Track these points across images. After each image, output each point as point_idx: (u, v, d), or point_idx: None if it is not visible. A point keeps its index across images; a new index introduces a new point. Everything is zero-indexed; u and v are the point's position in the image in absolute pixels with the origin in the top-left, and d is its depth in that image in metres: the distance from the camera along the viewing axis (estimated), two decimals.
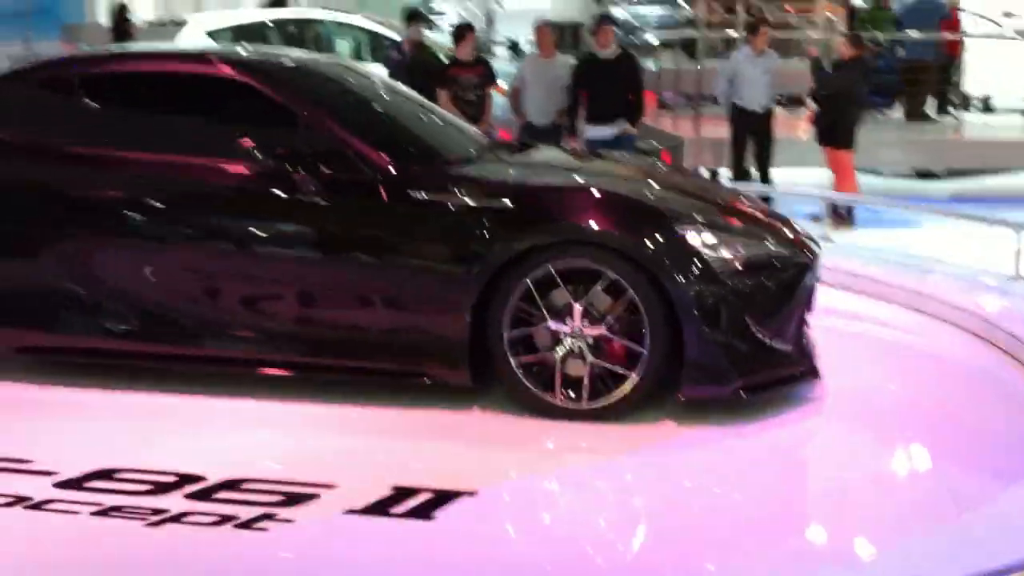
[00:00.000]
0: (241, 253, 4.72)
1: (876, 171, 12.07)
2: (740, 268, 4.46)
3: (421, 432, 4.45)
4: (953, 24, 12.75)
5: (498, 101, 9.96)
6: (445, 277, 4.49)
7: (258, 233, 4.69)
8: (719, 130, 10.34)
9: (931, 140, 11.94)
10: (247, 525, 3.56)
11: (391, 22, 13.76)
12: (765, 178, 9.97)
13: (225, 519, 3.59)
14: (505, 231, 4.47)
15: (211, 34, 12.76)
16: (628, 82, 9.18)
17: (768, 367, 4.57)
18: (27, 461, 4.05)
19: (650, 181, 5.18)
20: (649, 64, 12.54)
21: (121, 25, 13.72)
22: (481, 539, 3.55)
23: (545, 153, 5.79)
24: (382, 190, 4.61)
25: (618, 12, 17.23)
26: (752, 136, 9.94)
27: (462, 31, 10.03)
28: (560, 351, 4.47)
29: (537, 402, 4.52)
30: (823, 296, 6.13)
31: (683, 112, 12.16)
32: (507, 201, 4.56)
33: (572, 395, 4.48)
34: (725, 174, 10.73)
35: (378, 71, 9.72)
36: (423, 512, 3.66)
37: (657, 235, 4.43)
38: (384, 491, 3.79)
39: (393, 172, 4.65)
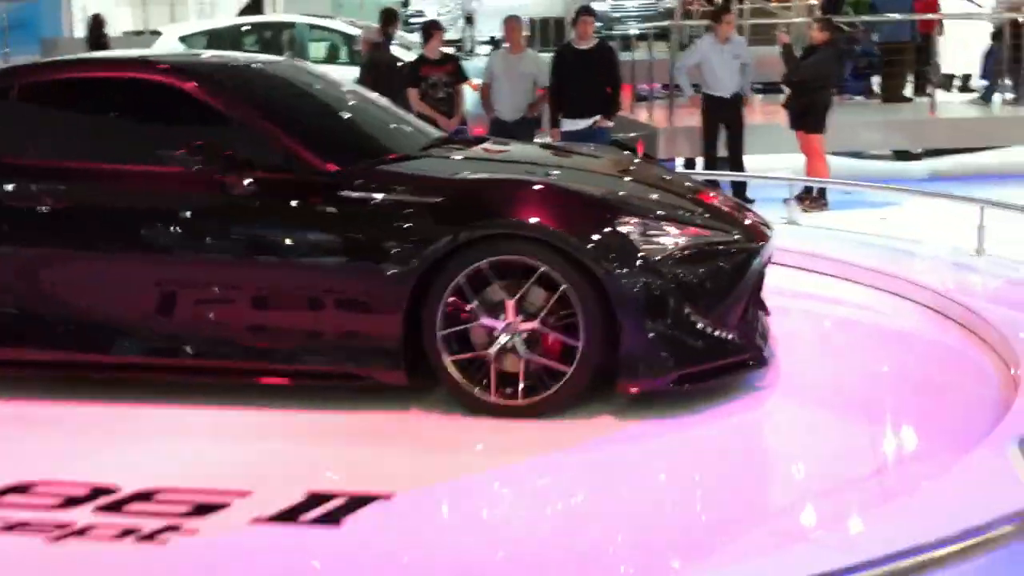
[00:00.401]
0: (172, 258, 4.67)
1: (856, 153, 12.01)
2: (679, 257, 4.38)
3: (350, 436, 4.38)
4: (931, 4, 12.60)
5: (474, 98, 9.93)
6: (378, 276, 4.41)
7: (189, 237, 4.64)
8: (694, 119, 10.26)
9: (908, 120, 11.82)
10: (150, 537, 3.49)
11: (370, 25, 13.74)
12: (737, 164, 9.88)
13: (127, 532, 3.51)
14: (437, 227, 4.39)
15: (184, 39, 12.76)
16: (605, 74, 9.12)
17: (710, 356, 4.47)
18: None
19: (607, 174, 5.10)
20: (628, 55, 12.46)
21: (96, 37, 13.63)
22: (384, 543, 3.46)
23: (501, 148, 5.71)
24: (314, 189, 4.55)
25: (599, 5, 17.20)
26: (723, 123, 9.85)
27: (429, 29, 10.00)
28: (495, 348, 4.39)
29: (474, 401, 4.44)
30: (788, 278, 6.19)
31: (661, 102, 12.08)
32: (439, 197, 4.49)
33: (508, 392, 4.41)
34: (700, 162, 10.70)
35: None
36: (332, 518, 3.58)
37: (591, 227, 4.34)
38: (297, 498, 3.71)
39: (326, 171, 4.59)
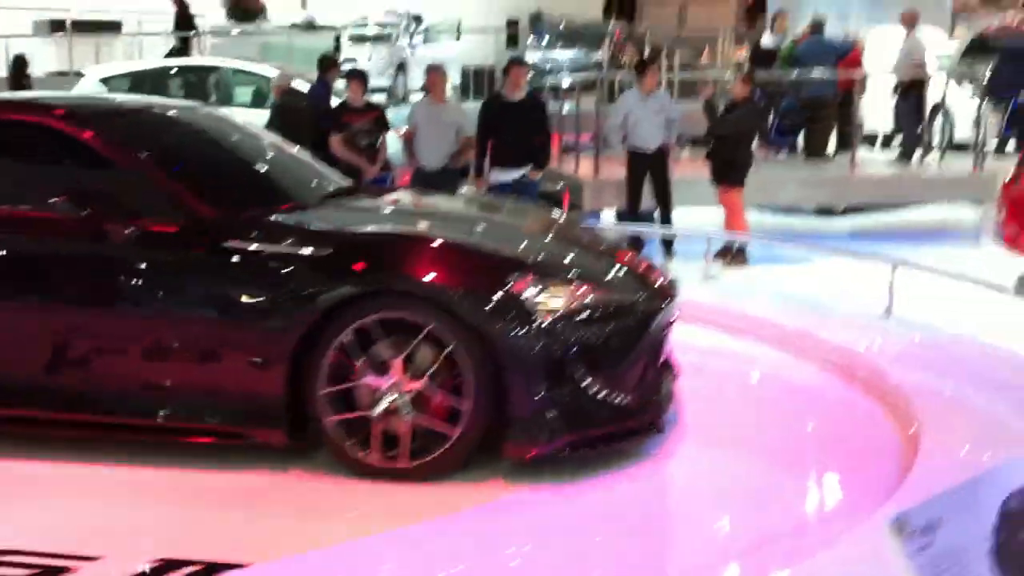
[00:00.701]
0: (51, 308, 4.49)
1: (778, 208, 12.08)
2: (575, 319, 4.23)
3: (222, 498, 4.19)
4: (854, 61, 12.76)
5: (400, 146, 9.87)
6: (258, 331, 4.24)
7: (68, 287, 4.47)
8: (621, 171, 10.26)
9: (829, 177, 11.93)
10: None
11: (297, 71, 13.62)
12: (666, 217, 9.87)
13: None
14: (321, 281, 4.22)
15: (105, 80, 12.55)
16: (534, 125, 9.08)
17: (605, 421, 4.31)
18: None
19: (522, 230, 4.96)
20: (556, 106, 12.48)
21: (18, 77, 13.47)
22: None
23: (416, 199, 5.57)
24: (196, 239, 4.38)
25: (532, 56, 17.27)
26: (650, 175, 9.84)
27: (350, 77, 9.94)
28: (379, 407, 4.22)
29: (356, 463, 4.27)
30: (702, 335, 6.12)
31: (587, 154, 12.09)
32: (326, 249, 4.31)
33: (392, 454, 4.24)
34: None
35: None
36: None
37: (481, 286, 4.19)
38: (147, 565, 3.53)
39: (208, 219, 4.43)
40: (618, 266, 4.79)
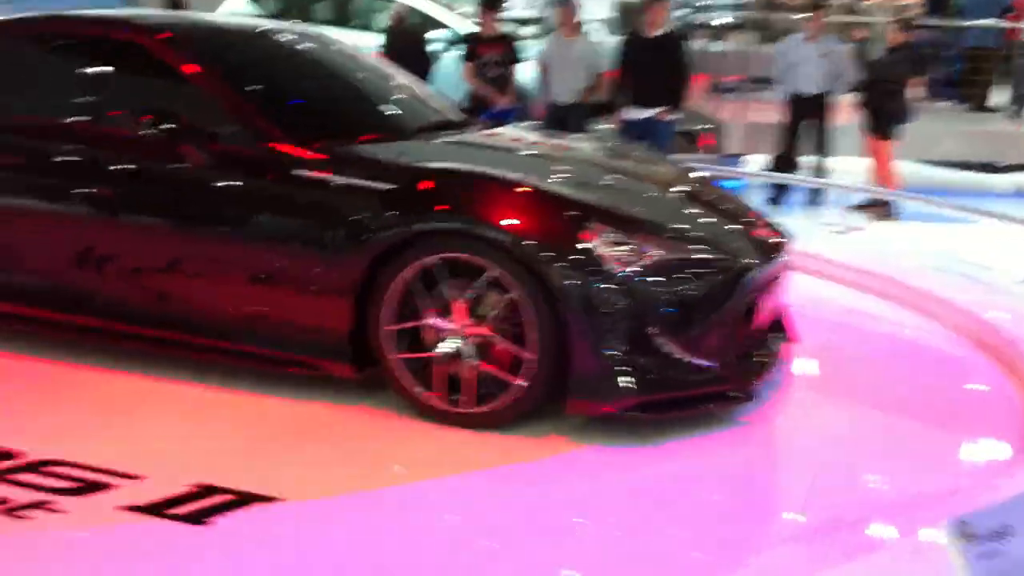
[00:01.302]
0: (128, 224, 4.45)
1: (939, 162, 11.33)
2: (650, 274, 3.88)
3: (276, 428, 4.05)
4: (1018, 12, 11.81)
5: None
6: (326, 263, 4.07)
7: (144, 205, 4.42)
8: (771, 115, 9.74)
9: (992, 131, 11.09)
10: (14, 512, 3.29)
11: (449, 3, 13.38)
12: (820, 167, 9.35)
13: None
14: (382, 216, 4.02)
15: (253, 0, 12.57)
16: (671, 64, 8.68)
17: (677, 385, 3.97)
18: None
19: (618, 178, 4.55)
20: (708, 46, 11.99)
21: None
22: (244, 551, 3.14)
23: (515, 135, 5.21)
24: (269, 167, 4.23)
25: None
26: (807, 121, 9.33)
27: (485, 6, 9.64)
28: (443, 349, 4.00)
29: (418, 403, 4.08)
30: (821, 289, 5.68)
31: (736, 96, 11.58)
32: (391, 184, 4.09)
33: (455, 399, 4.02)
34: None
35: None
36: (200, 516, 3.30)
37: (551, 233, 3.90)
38: (183, 489, 3.45)
39: (280, 146, 4.26)
40: (723, 223, 4.39)
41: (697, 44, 11.88)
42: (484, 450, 3.89)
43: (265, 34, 5.25)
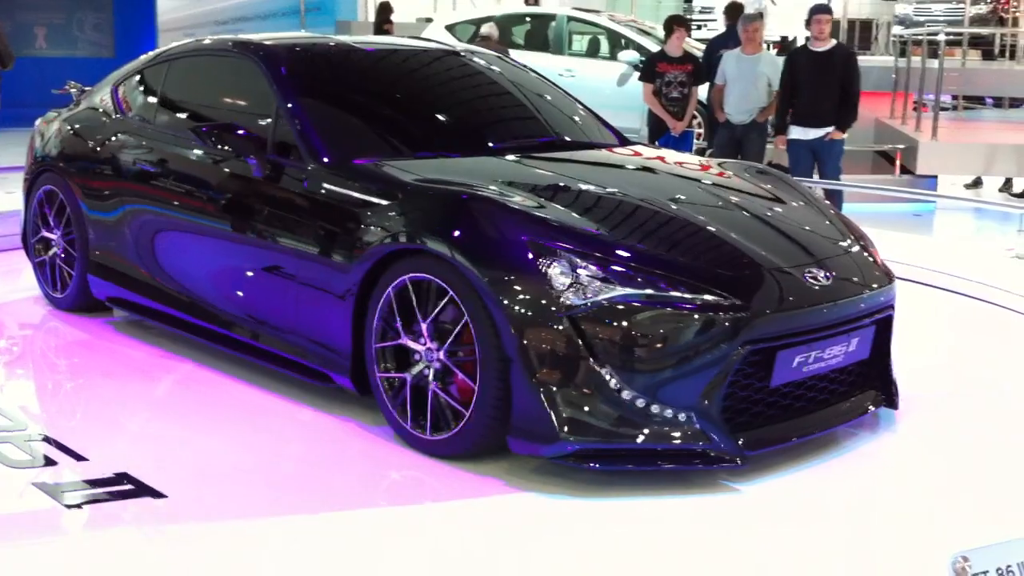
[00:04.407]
0: (211, 231, 4.73)
1: None
2: (614, 311, 3.50)
3: (254, 427, 4.21)
4: None
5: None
6: (325, 275, 4.13)
7: (222, 213, 4.67)
8: (969, 135, 9.11)
9: None
10: None
11: (642, 23, 13.31)
12: None
13: None
14: (370, 233, 3.98)
15: (450, 28, 12.90)
16: (840, 81, 8.20)
17: (624, 437, 3.52)
18: None
19: (681, 208, 4.07)
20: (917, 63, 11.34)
21: (381, 22, 14.12)
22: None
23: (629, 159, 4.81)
24: (304, 179, 4.34)
25: (902, 7, 15.86)
26: None
27: (671, 24, 9.49)
28: (414, 371, 3.84)
29: (394, 423, 3.95)
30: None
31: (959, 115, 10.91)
32: (388, 200, 4.01)
33: (421, 422, 3.82)
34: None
35: None
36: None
37: (505, 256, 3.61)
38: (110, 473, 3.70)
39: (311, 164, 4.35)
40: (786, 266, 3.85)
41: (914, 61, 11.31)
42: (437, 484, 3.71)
43: (353, 54, 5.21)
